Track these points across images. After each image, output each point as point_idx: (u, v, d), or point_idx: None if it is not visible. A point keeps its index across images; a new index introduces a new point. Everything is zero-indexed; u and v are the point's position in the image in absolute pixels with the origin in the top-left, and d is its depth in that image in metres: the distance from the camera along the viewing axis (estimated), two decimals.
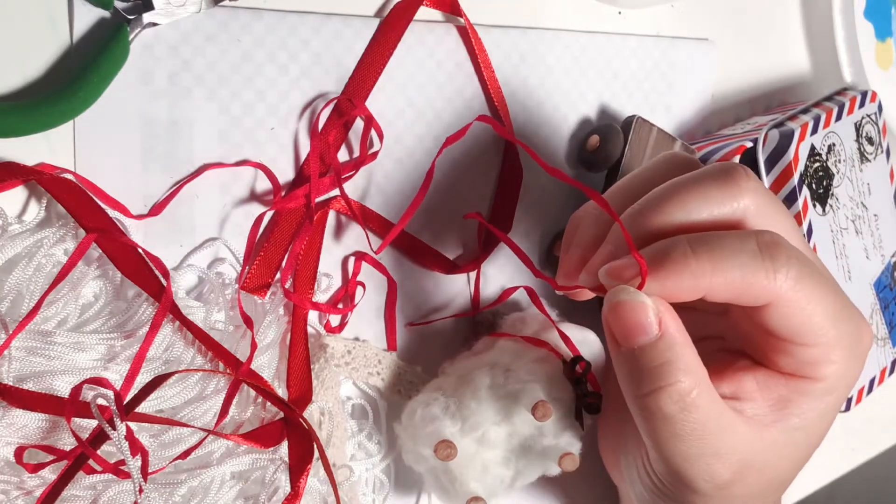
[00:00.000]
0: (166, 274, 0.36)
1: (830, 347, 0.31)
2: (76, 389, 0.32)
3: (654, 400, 0.29)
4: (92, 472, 0.33)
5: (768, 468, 0.32)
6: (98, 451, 0.32)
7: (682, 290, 0.29)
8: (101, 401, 0.31)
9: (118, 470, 0.33)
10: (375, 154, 0.41)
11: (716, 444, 0.30)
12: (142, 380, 0.34)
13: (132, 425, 0.34)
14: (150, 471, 0.33)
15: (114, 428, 0.30)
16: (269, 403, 0.38)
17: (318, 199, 0.40)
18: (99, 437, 0.32)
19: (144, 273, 0.36)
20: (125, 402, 0.32)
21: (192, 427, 0.34)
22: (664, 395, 0.29)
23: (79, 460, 0.32)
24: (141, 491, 0.31)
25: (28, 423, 0.33)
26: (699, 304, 0.32)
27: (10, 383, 0.33)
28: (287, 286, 0.40)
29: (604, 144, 0.44)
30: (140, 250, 0.36)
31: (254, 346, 0.37)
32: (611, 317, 0.30)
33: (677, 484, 0.32)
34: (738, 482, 0.32)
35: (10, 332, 0.32)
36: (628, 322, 0.29)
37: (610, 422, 0.40)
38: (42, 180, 0.34)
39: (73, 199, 0.35)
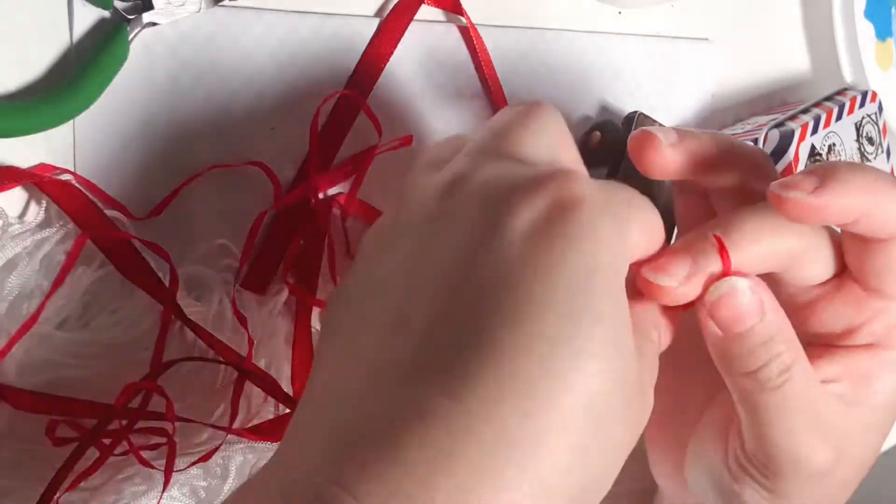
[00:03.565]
0: (167, 257, 0.35)
1: None
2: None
3: (761, 373, 0.30)
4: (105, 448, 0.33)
5: (863, 449, 0.33)
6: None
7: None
8: None
9: (144, 459, 0.33)
10: (375, 153, 0.41)
11: (818, 417, 0.31)
12: None
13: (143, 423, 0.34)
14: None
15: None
16: (279, 405, 0.38)
17: (318, 198, 0.40)
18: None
19: (145, 273, 0.36)
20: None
21: (209, 425, 0.34)
22: (770, 367, 0.30)
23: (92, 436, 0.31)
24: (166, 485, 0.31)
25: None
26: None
27: (10, 383, 0.33)
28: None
29: (605, 141, 0.44)
30: (136, 242, 0.35)
31: (251, 341, 0.37)
32: (716, 309, 0.30)
33: (774, 466, 0.32)
34: (838, 466, 0.32)
35: (12, 333, 0.32)
36: (737, 310, 0.29)
37: (671, 415, 0.39)
38: (39, 183, 0.34)
39: (71, 201, 0.35)
